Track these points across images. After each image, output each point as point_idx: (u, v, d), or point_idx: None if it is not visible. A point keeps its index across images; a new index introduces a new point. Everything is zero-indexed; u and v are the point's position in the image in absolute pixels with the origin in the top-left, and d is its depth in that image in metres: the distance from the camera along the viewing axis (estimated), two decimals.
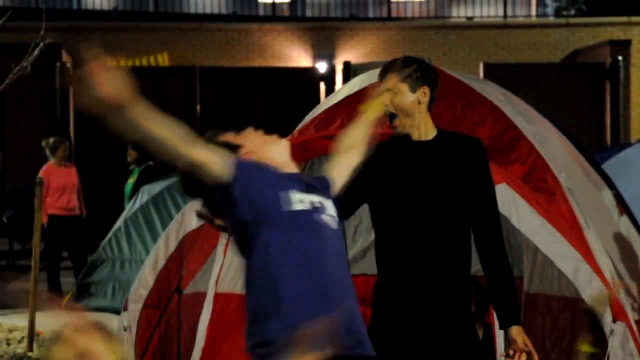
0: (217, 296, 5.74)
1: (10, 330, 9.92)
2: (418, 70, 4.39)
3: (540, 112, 6.48)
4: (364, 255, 6.66)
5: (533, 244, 5.33)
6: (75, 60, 18.88)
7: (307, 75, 18.87)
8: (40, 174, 11.39)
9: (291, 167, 3.91)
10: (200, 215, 4.07)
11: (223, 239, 5.64)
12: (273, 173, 3.81)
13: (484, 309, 5.83)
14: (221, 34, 19.87)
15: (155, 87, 18.15)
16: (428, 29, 20.06)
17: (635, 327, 5.12)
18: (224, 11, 21.93)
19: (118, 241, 11.22)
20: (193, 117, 17.88)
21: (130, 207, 11.40)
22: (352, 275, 6.42)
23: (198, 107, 18.20)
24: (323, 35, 19.86)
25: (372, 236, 6.02)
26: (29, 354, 9.02)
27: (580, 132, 16.44)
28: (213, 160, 3.66)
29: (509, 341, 4.35)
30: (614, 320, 4.95)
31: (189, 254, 5.90)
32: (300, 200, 3.73)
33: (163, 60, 19.61)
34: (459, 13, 23.00)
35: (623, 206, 6.47)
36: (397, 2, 23.10)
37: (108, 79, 3.42)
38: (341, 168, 4.09)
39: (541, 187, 5.58)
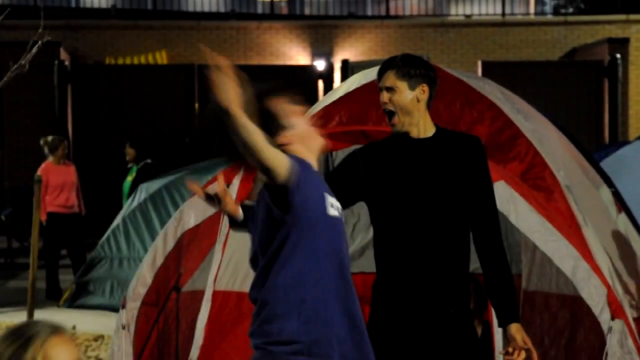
0: (216, 294, 5.74)
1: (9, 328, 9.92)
2: (417, 68, 4.39)
3: (538, 110, 6.48)
4: (362, 253, 6.66)
5: (531, 241, 5.33)
6: (74, 58, 18.88)
7: (306, 73, 18.86)
8: (39, 172, 11.38)
9: (316, 164, 3.88)
10: (208, 197, 4.05)
11: (221, 236, 5.64)
12: (317, 176, 3.78)
13: (483, 306, 5.83)
14: (219, 32, 19.86)
15: (154, 85, 18.18)
16: (426, 27, 20.06)
17: (633, 325, 5.12)
18: (222, 9, 21.93)
19: (116, 239, 11.22)
20: (191, 115, 17.88)
21: (129, 205, 11.40)
22: (350, 273, 6.47)
23: (196, 106, 18.18)
24: (321, 33, 19.86)
25: (370, 234, 6.03)
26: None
27: (579, 130, 16.45)
28: (284, 166, 3.58)
29: (508, 339, 4.35)
30: (612, 318, 4.95)
31: (187, 252, 5.90)
32: (331, 205, 3.73)
33: (161, 58, 19.60)
34: (457, 11, 23.01)
35: (621, 204, 6.47)
36: (396, 0, 23.11)
37: (229, 87, 3.50)
38: None
39: (539, 185, 5.58)
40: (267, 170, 3.55)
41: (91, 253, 11.48)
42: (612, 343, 4.93)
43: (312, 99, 14.84)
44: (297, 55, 19.77)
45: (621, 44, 18.78)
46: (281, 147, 3.73)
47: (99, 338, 9.45)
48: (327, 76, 18.97)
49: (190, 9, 21.84)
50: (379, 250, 4.47)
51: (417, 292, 4.33)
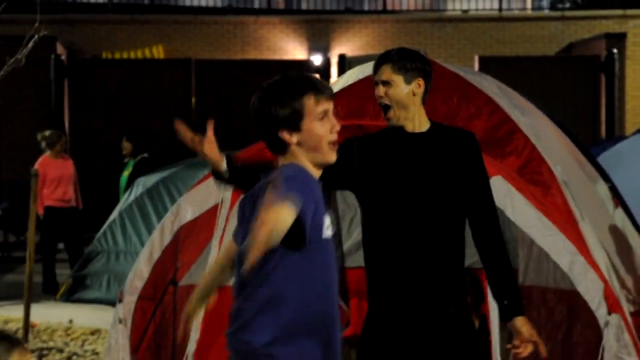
0: None
1: (6, 322, 9.92)
2: (413, 62, 4.39)
3: (535, 105, 6.48)
4: (360, 248, 6.64)
5: (528, 236, 5.33)
6: (70, 52, 18.85)
7: (303, 68, 18.84)
8: (36, 165, 11.37)
9: (318, 174, 3.71)
10: (216, 175, 4.01)
11: (218, 230, 5.64)
12: (319, 195, 3.56)
13: (480, 300, 5.84)
14: (217, 26, 19.85)
15: (151, 80, 18.17)
16: (423, 22, 20.05)
17: (630, 319, 5.13)
18: (219, 4, 21.90)
19: (113, 233, 11.22)
20: (188, 110, 17.87)
21: (126, 199, 11.40)
22: (347, 268, 6.46)
23: (193, 100, 18.18)
24: (318, 28, 19.85)
25: None
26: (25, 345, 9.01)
27: (576, 125, 16.44)
28: (289, 221, 3.34)
29: (509, 332, 4.34)
30: (609, 312, 4.96)
31: (184, 246, 5.90)
32: (327, 226, 3.60)
33: (158, 53, 19.58)
34: (454, 6, 22.98)
35: (618, 199, 6.47)
36: None
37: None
38: None
39: (537, 179, 5.58)
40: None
41: (88, 247, 11.49)
42: (609, 337, 4.94)
43: None
44: (294, 50, 19.76)
45: (618, 39, 18.79)
46: (284, 145, 3.62)
47: (95, 332, 9.46)
48: (324, 71, 18.96)
49: (187, 3, 21.82)
50: (369, 247, 4.43)
51: (414, 291, 4.31)
